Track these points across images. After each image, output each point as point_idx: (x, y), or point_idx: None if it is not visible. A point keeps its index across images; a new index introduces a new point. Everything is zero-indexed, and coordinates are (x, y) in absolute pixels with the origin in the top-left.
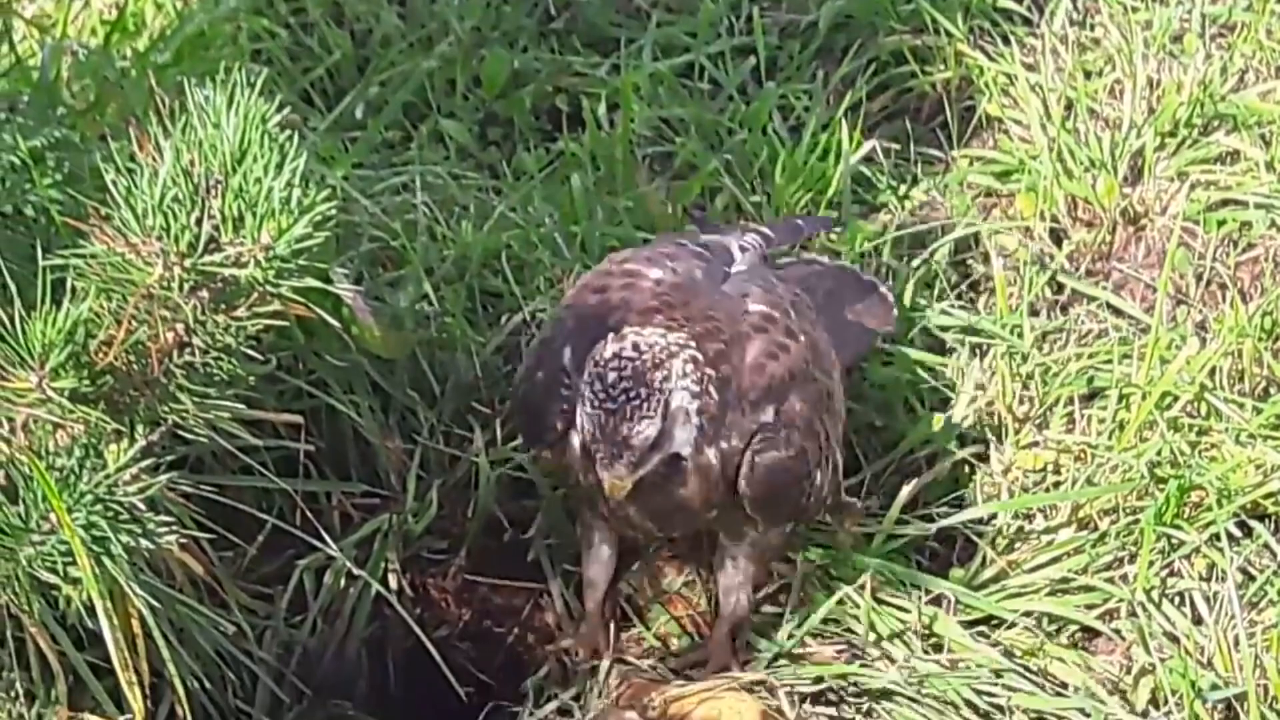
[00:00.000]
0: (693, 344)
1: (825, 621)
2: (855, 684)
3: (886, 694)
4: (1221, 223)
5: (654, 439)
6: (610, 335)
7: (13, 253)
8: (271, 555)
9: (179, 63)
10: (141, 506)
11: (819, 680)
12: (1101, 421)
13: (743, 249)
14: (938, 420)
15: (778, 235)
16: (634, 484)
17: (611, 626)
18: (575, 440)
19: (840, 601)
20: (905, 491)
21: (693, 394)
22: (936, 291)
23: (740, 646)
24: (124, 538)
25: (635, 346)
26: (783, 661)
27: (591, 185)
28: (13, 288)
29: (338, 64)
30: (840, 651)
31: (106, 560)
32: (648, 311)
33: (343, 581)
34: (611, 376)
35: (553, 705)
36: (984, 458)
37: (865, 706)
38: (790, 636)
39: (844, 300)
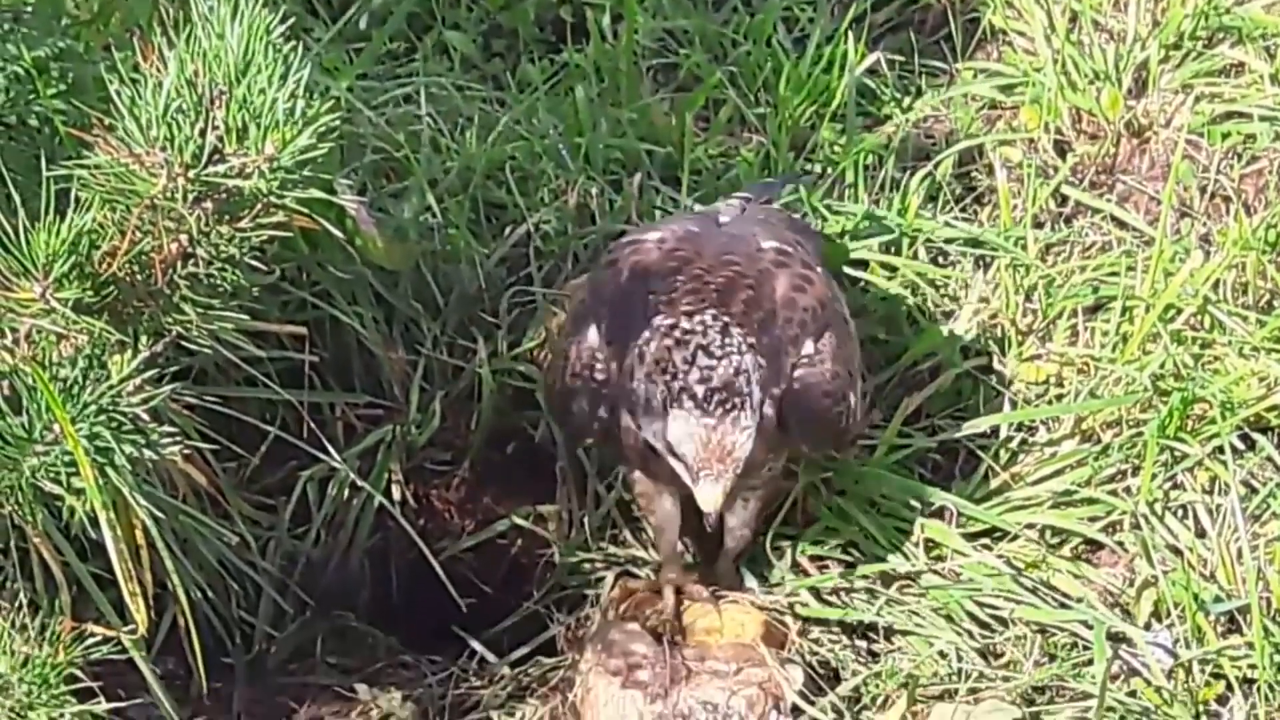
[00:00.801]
0: (742, 326)
1: (827, 533)
2: (858, 595)
3: (888, 605)
4: (1225, 135)
5: (752, 446)
6: (661, 333)
7: (17, 163)
8: (275, 466)
9: None
10: (145, 417)
11: (821, 593)
12: (1105, 334)
13: (728, 207)
14: (941, 333)
15: (757, 195)
16: None
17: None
18: (626, 420)
19: (842, 514)
20: (906, 402)
21: (763, 386)
22: (940, 204)
23: (741, 566)
24: (127, 448)
25: (706, 351)
26: (785, 575)
27: (595, 97)
28: (17, 198)
29: None
30: (842, 564)
31: (110, 471)
32: (669, 276)
33: (346, 492)
34: (700, 390)
35: (556, 618)
36: (987, 370)
37: (868, 618)
38: (792, 550)
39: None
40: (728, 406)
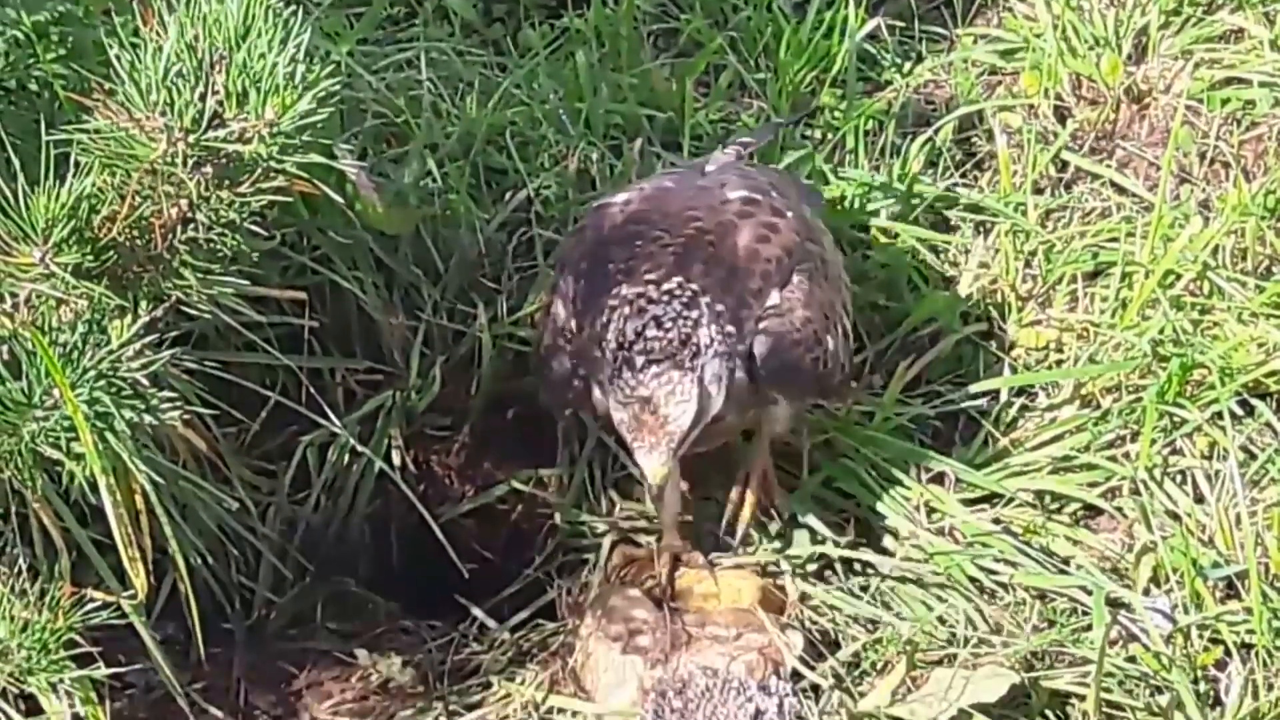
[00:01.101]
0: (705, 296)
1: (828, 497)
2: (857, 561)
3: (888, 571)
4: (1225, 101)
5: (694, 419)
6: (624, 302)
7: (16, 128)
8: (275, 431)
9: None
10: (145, 382)
11: (820, 558)
12: (1104, 299)
13: (722, 155)
14: (941, 298)
15: (758, 138)
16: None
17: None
18: (595, 391)
19: (842, 478)
20: (904, 368)
21: (724, 356)
22: (940, 169)
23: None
24: (127, 413)
25: (658, 322)
26: (784, 540)
27: (596, 62)
28: (16, 163)
29: None
30: (842, 529)
31: (109, 436)
32: (629, 241)
33: (346, 458)
34: (640, 360)
35: (556, 584)
36: (987, 336)
37: (867, 583)
38: (791, 514)
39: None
40: (664, 379)
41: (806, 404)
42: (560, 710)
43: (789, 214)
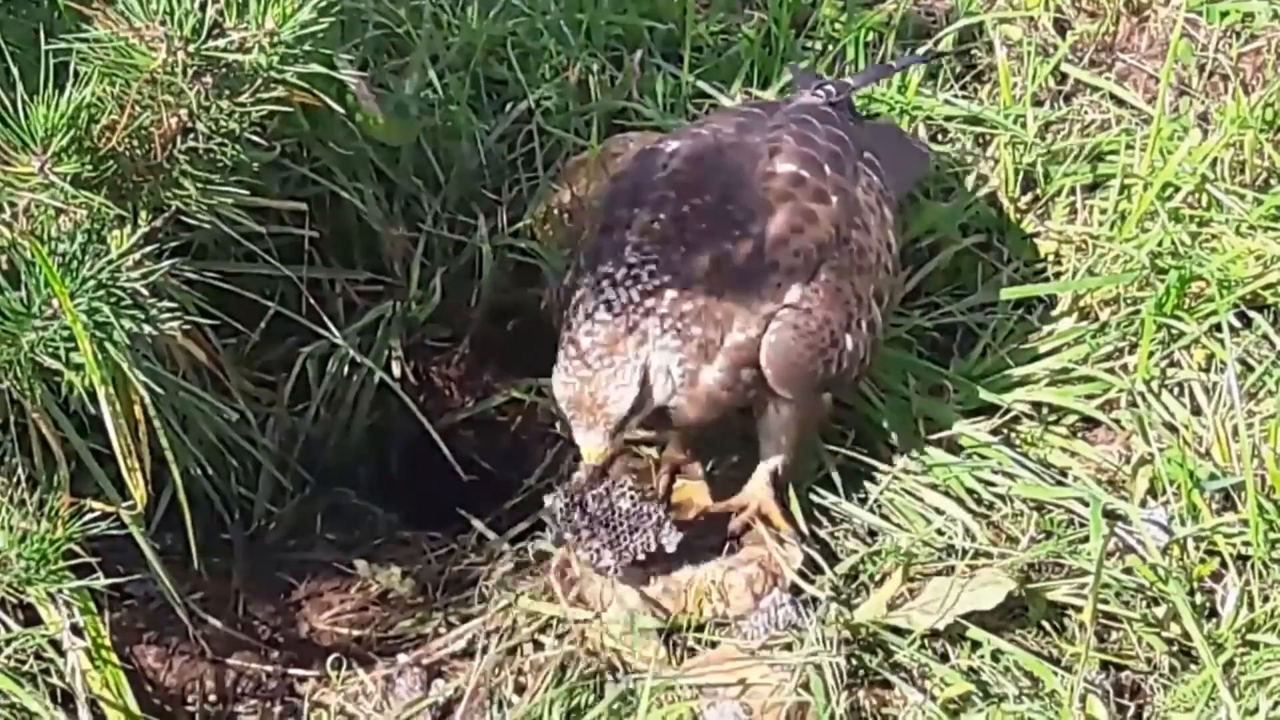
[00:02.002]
0: (674, 288)
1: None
2: (857, 471)
3: (887, 483)
4: (1224, 14)
5: (632, 407)
6: (589, 285)
7: (16, 36)
8: (275, 343)
9: None
10: (144, 292)
11: (819, 469)
12: (1103, 212)
13: (810, 97)
14: (940, 210)
15: (859, 81)
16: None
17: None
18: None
19: (842, 391)
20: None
21: (674, 348)
22: (940, 81)
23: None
24: (126, 324)
25: (609, 305)
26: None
27: None
28: (15, 72)
29: None
30: (841, 440)
31: (109, 346)
32: (656, 206)
33: (346, 369)
34: (585, 342)
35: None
36: (986, 248)
37: (865, 495)
38: None
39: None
40: (605, 363)
41: (813, 404)
42: (560, 620)
43: (833, 198)
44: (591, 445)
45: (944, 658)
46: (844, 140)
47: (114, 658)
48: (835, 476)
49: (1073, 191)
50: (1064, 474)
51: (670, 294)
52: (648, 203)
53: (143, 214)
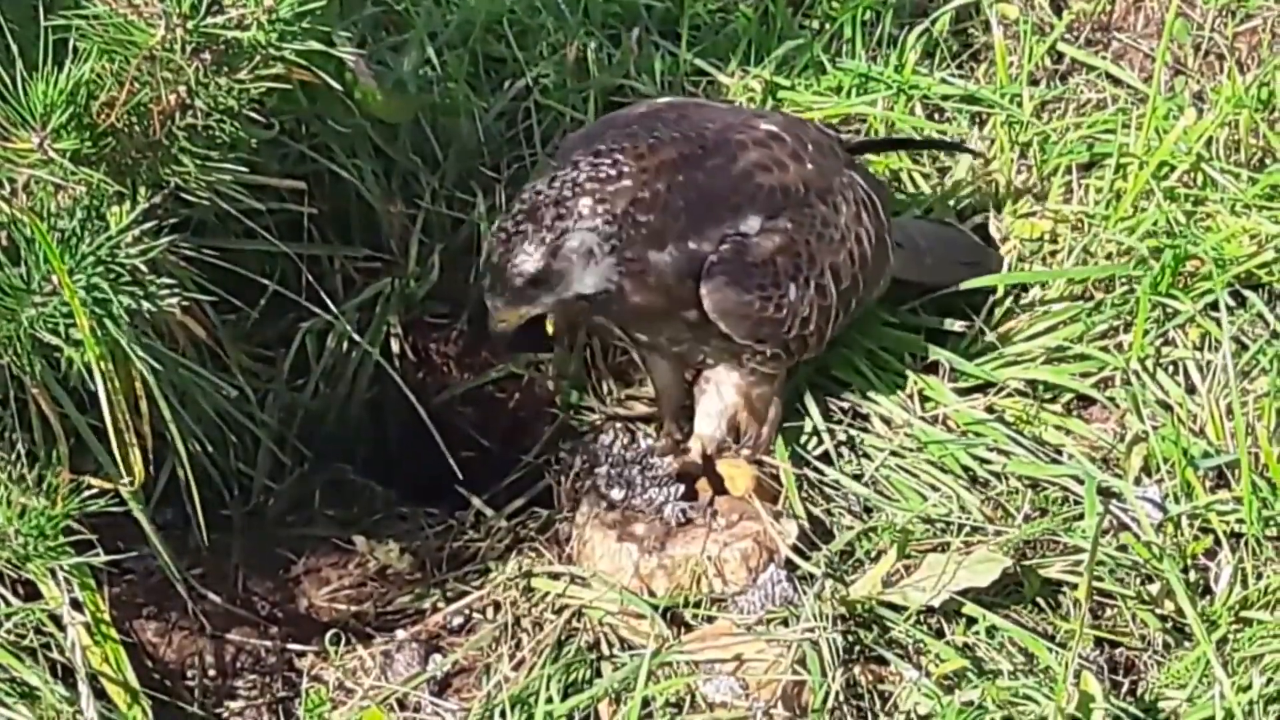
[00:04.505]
0: (630, 179)
1: (824, 385)
2: (853, 448)
3: (883, 460)
4: None
5: (534, 276)
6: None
7: (15, 13)
8: (273, 319)
9: None
10: (143, 269)
11: (816, 446)
12: (1099, 191)
13: None
14: (937, 189)
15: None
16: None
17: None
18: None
19: (838, 367)
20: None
21: (603, 232)
22: (937, 60)
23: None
24: (125, 300)
25: (550, 181)
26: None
27: None
28: (15, 48)
29: None
30: (838, 417)
31: (107, 322)
32: (628, 125)
33: (344, 345)
34: (515, 208)
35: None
36: (982, 227)
37: (861, 471)
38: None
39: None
40: (519, 230)
41: (753, 356)
42: (557, 596)
43: (808, 164)
44: (492, 309)
45: (939, 634)
46: (833, 146)
47: (113, 632)
48: (831, 453)
49: (1069, 170)
50: (1059, 452)
51: (625, 183)
52: (625, 122)
53: (142, 190)
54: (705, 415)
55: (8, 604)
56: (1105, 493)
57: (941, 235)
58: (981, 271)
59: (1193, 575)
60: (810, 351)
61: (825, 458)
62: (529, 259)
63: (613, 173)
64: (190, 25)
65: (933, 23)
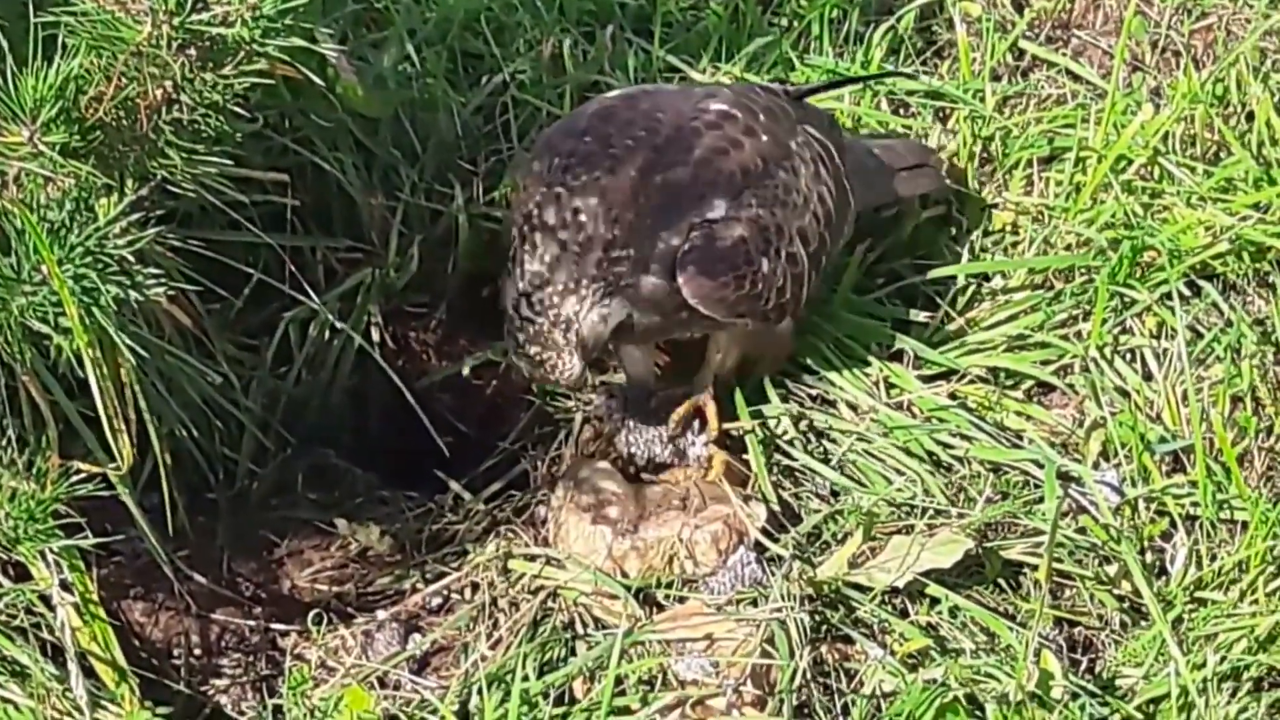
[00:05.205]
0: (586, 247)
1: (792, 372)
2: (820, 433)
3: (850, 445)
4: None
5: (581, 374)
6: (514, 269)
7: (5, 10)
8: (257, 308)
9: None
10: (131, 259)
11: (783, 432)
12: (1059, 184)
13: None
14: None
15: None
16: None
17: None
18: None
19: (806, 354)
20: (863, 250)
21: (601, 307)
22: (902, 57)
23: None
24: (113, 289)
25: (532, 304)
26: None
27: None
28: (5, 44)
29: None
30: (807, 404)
31: (96, 311)
32: (584, 134)
33: (326, 334)
34: (521, 337)
35: (529, 457)
36: (945, 218)
37: (828, 456)
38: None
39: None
40: (546, 356)
41: (744, 324)
42: (534, 577)
43: (763, 136)
44: (563, 385)
45: (904, 614)
46: (783, 107)
47: (102, 613)
48: (799, 439)
49: (1029, 164)
50: (1020, 437)
51: (596, 231)
52: (580, 131)
53: (129, 183)
54: (711, 355)
55: None
56: (1064, 477)
57: (886, 146)
58: (929, 172)
59: (1149, 557)
60: (790, 315)
61: (794, 443)
62: (571, 361)
63: (580, 235)
64: (176, 22)
65: (898, 20)
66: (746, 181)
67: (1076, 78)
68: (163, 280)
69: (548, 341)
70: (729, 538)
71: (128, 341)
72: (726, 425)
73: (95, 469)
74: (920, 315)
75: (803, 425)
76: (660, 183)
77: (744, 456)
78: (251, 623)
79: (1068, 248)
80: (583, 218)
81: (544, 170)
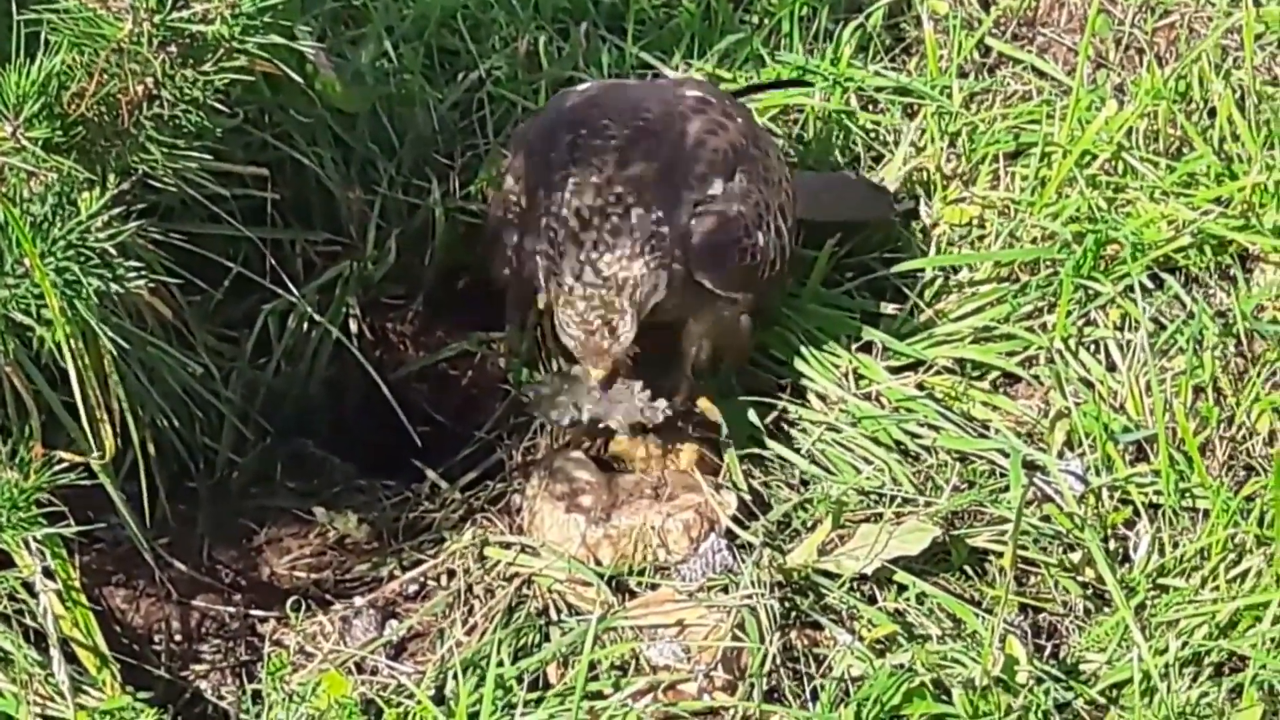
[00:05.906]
0: (640, 193)
1: (762, 363)
2: (790, 423)
3: (819, 435)
4: None
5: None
6: (574, 208)
7: None
8: (237, 300)
9: None
10: (112, 252)
11: (753, 422)
12: (1025, 178)
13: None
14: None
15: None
16: None
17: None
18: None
19: (776, 346)
20: (832, 243)
21: (658, 259)
22: (871, 54)
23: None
24: (94, 281)
25: (598, 271)
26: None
27: None
28: None
29: None
30: (775, 394)
31: (78, 303)
32: (578, 125)
33: (305, 325)
34: (581, 305)
35: (505, 446)
36: (913, 213)
37: (798, 445)
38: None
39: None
40: (606, 320)
41: (729, 305)
42: (509, 564)
43: (739, 119)
44: (600, 374)
45: (872, 600)
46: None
47: (84, 599)
48: (770, 428)
49: (996, 159)
50: (986, 427)
51: (636, 213)
52: (571, 122)
53: (111, 177)
54: (687, 345)
55: None
56: (1030, 466)
57: (834, 179)
58: (879, 204)
59: (1112, 544)
60: (775, 289)
61: (764, 432)
62: (628, 328)
63: (624, 210)
64: (157, 20)
65: (867, 18)
66: (737, 160)
67: (1042, 74)
68: (144, 273)
69: (612, 304)
70: (700, 525)
71: (109, 333)
72: (699, 414)
73: (78, 458)
74: (889, 307)
75: (773, 415)
76: (664, 168)
77: (715, 445)
78: (231, 609)
79: (1033, 241)
80: (622, 191)
81: (558, 160)
